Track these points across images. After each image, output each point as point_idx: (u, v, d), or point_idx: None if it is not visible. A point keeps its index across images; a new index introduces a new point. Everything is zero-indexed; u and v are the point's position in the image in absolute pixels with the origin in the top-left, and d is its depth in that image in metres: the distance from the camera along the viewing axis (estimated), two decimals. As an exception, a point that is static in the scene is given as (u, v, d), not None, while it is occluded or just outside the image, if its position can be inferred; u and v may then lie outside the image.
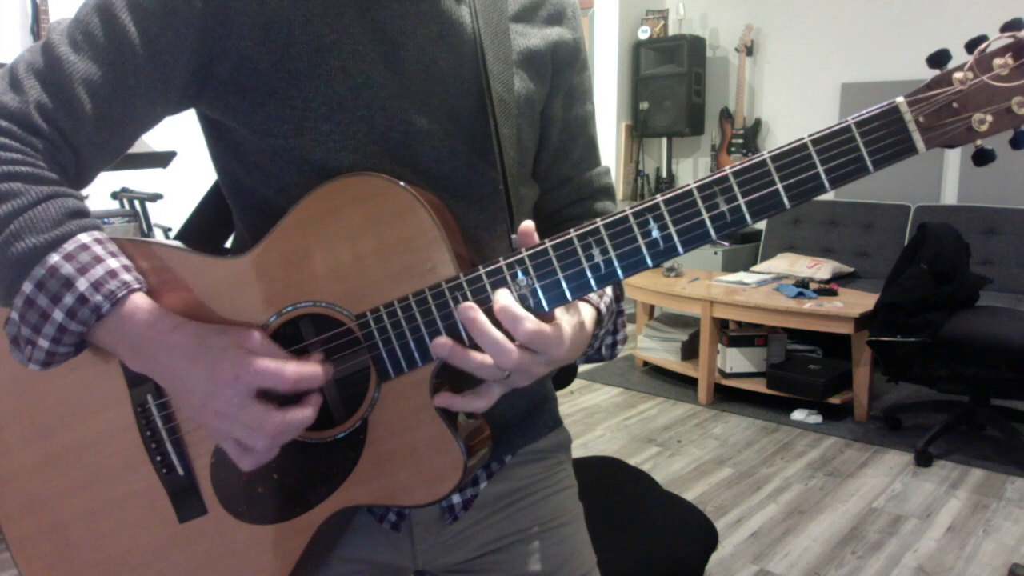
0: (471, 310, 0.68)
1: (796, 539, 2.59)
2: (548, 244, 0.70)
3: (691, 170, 5.63)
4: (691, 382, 4.01)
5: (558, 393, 1.01)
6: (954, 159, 4.54)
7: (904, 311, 3.06)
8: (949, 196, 4.57)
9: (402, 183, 0.72)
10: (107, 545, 0.81)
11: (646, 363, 4.43)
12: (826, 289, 3.77)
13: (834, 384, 3.61)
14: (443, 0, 0.79)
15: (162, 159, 3.28)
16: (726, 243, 4.94)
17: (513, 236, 0.80)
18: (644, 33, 5.41)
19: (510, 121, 0.82)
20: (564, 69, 0.90)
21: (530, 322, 0.67)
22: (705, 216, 0.67)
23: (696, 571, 1.48)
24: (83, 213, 0.71)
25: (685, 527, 1.55)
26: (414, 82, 0.78)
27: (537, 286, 0.70)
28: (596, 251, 0.69)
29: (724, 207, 0.67)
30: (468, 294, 0.71)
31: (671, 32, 5.46)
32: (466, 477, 0.75)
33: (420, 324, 0.72)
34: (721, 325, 3.90)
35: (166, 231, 3.63)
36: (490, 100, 0.80)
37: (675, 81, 5.21)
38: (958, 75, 0.64)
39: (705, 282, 4.10)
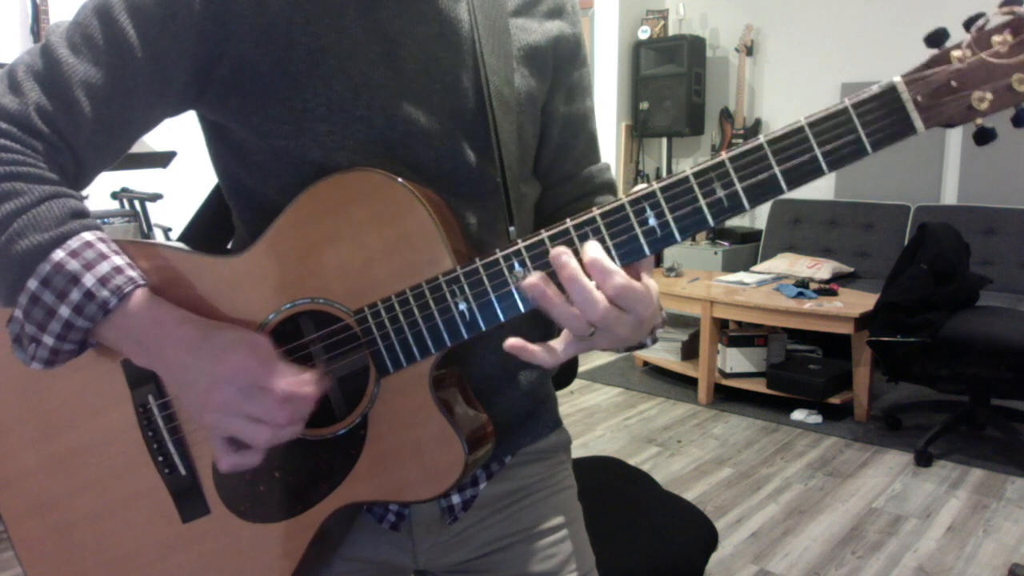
0: (564, 255, 0.65)
1: (796, 539, 2.59)
2: (545, 235, 0.69)
3: (691, 170, 5.62)
4: (691, 382, 4.01)
5: (558, 393, 1.01)
6: (954, 159, 4.54)
7: (904, 311, 3.06)
8: (949, 196, 4.57)
9: (400, 179, 0.72)
10: (112, 546, 0.81)
11: (646, 363, 4.43)
12: (826, 289, 3.77)
13: (834, 384, 3.61)
14: None
15: (162, 159, 3.28)
16: (726, 243, 4.94)
17: (511, 228, 0.81)
18: (644, 33, 5.41)
19: (510, 118, 0.82)
20: (565, 65, 0.90)
21: (621, 276, 0.64)
22: (702, 203, 0.66)
23: (696, 571, 1.48)
24: (84, 214, 0.72)
25: (685, 527, 1.55)
26: (414, 81, 0.78)
27: None
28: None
29: (721, 193, 0.66)
30: (465, 287, 0.71)
31: (671, 32, 5.45)
32: (468, 472, 0.75)
33: (418, 319, 0.72)
34: (721, 325, 3.90)
35: (166, 231, 3.63)
36: (489, 97, 0.80)
37: (675, 81, 5.20)
38: (956, 53, 0.62)
39: (705, 282, 4.10)
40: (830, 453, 3.28)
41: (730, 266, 4.79)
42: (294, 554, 0.77)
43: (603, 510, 1.55)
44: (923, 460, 3.12)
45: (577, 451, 1.06)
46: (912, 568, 2.41)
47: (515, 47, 0.84)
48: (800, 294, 3.70)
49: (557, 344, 0.69)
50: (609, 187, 0.96)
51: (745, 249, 5.02)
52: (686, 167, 0.68)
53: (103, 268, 0.69)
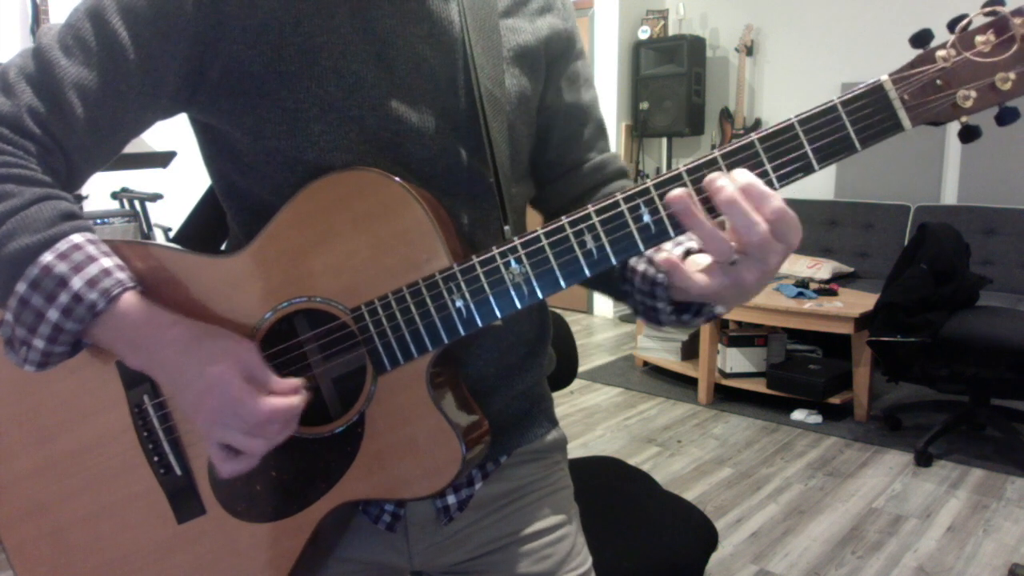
0: (720, 178, 0.63)
1: (796, 539, 2.59)
2: (540, 231, 0.70)
3: (691, 170, 5.62)
4: (691, 382, 4.01)
5: (557, 393, 1.01)
6: (954, 159, 4.54)
7: (904, 311, 3.06)
8: (949, 196, 4.57)
9: (397, 178, 0.72)
10: (108, 548, 0.81)
11: (646, 363, 4.43)
12: (826, 289, 3.77)
13: (834, 384, 3.61)
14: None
15: (162, 159, 3.28)
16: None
17: (506, 227, 0.81)
18: (644, 33, 5.41)
19: (501, 118, 0.82)
20: (559, 58, 0.90)
21: (778, 200, 0.63)
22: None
23: (696, 571, 1.48)
24: (76, 215, 0.71)
25: (685, 527, 1.55)
26: (405, 81, 0.78)
27: (531, 274, 0.70)
28: (588, 237, 0.69)
29: None
30: (462, 284, 0.71)
31: (671, 32, 5.45)
32: (465, 469, 0.75)
33: (415, 316, 0.72)
34: (721, 325, 3.90)
35: (166, 231, 3.63)
36: (479, 97, 0.80)
37: (675, 81, 5.20)
38: (941, 52, 0.64)
39: (705, 282, 4.09)
40: (830, 453, 3.28)
41: (730, 266, 4.78)
42: (291, 553, 0.77)
43: (603, 510, 1.55)
44: (923, 460, 3.12)
45: (577, 451, 1.06)
46: (912, 568, 2.41)
47: (505, 48, 0.84)
48: (800, 294, 3.70)
49: (701, 274, 0.67)
50: (623, 174, 0.95)
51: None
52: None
53: (91, 270, 0.69)
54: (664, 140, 5.55)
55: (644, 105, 5.34)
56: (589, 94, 0.94)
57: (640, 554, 1.45)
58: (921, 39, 0.65)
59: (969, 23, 0.64)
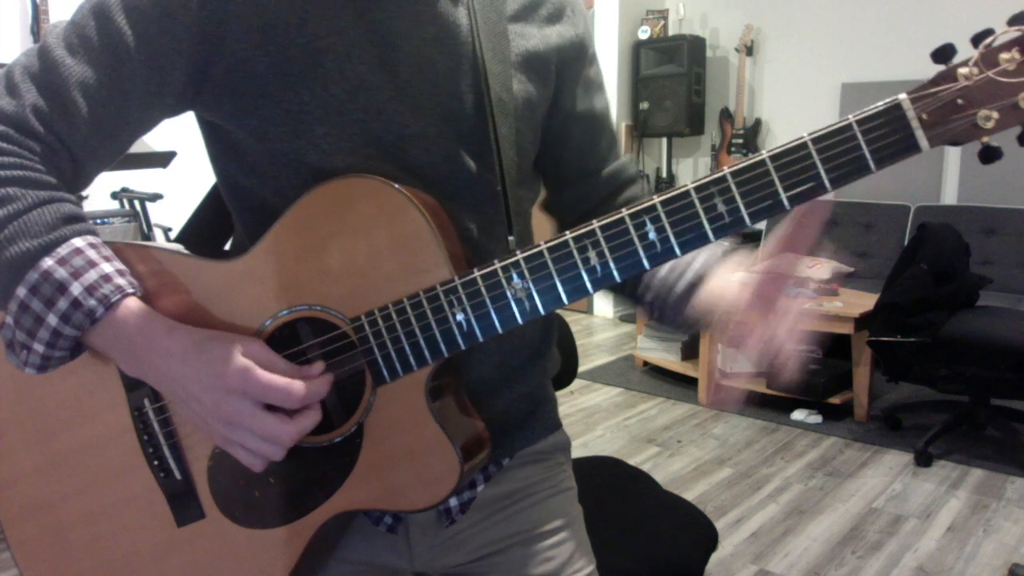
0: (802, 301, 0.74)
1: (796, 539, 2.59)
2: (544, 246, 0.69)
3: (691, 170, 5.63)
4: (691, 382, 4.01)
5: (558, 393, 1.01)
6: (954, 159, 4.54)
7: (904, 311, 3.06)
8: (949, 196, 4.57)
9: (396, 185, 0.72)
10: (107, 548, 0.81)
11: (646, 363, 4.43)
12: (826, 289, 3.77)
13: (834, 384, 3.60)
14: (439, 2, 0.78)
15: (162, 159, 3.28)
16: (726, 243, 4.93)
17: (511, 238, 0.80)
18: (644, 33, 5.41)
19: (508, 122, 0.81)
20: (571, 64, 0.89)
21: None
22: (703, 217, 0.66)
23: (696, 571, 1.48)
24: (79, 218, 0.71)
25: (685, 527, 1.55)
26: (410, 84, 0.77)
27: (533, 289, 0.69)
28: (592, 254, 0.68)
29: (722, 208, 0.66)
30: (463, 297, 0.70)
31: (671, 32, 5.45)
32: (463, 481, 0.75)
33: (415, 328, 0.72)
34: (721, 325, 3.89)
35: (166, 231, 3.63)
36: (488, 101, 0.79)
37: (675, 81, 5.20)
38: (963, 70, 0.61)
39: (705, 282, 4.09)
40: (830, 453, 3.28)
41: (730, 266, 4.78)
42: (289, 560, 0.77)
43: (603, 510, 1.55)
44: (923, 460, 3.12)
45: (577, 451, 1.06)
46: (912, 568, 2.41)
47: (513, 52, 0.83)
48: (800, 294, 3.70)
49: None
50: (638, 177, 0.97)
51: (745, 249, 5.01)
52: (686, 173, 0.68)
53: (91, 276, 0.69)
54: (664, 140, 5.54)
55: (644, 105, 5.34)
56: (602, 100, 0.95)
57: (640, 554, 1.45)
58: (943, 54, 0.62)
59: (994, 39, 0.61)
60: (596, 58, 0.93)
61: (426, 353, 0.72)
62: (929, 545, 2.54)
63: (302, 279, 0.74)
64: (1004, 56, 0.61)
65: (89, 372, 0.78)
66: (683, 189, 0.66)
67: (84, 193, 0.76)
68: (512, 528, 0.90)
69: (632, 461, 3.05)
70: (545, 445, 0.94)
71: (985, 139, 0.63)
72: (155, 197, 3.49)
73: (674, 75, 5.21)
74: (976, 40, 0.62)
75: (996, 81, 0.61)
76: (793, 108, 5.08)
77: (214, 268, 0.76)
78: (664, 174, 5.56)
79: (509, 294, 0.70)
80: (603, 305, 5.72)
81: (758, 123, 5.20)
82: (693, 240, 0.67)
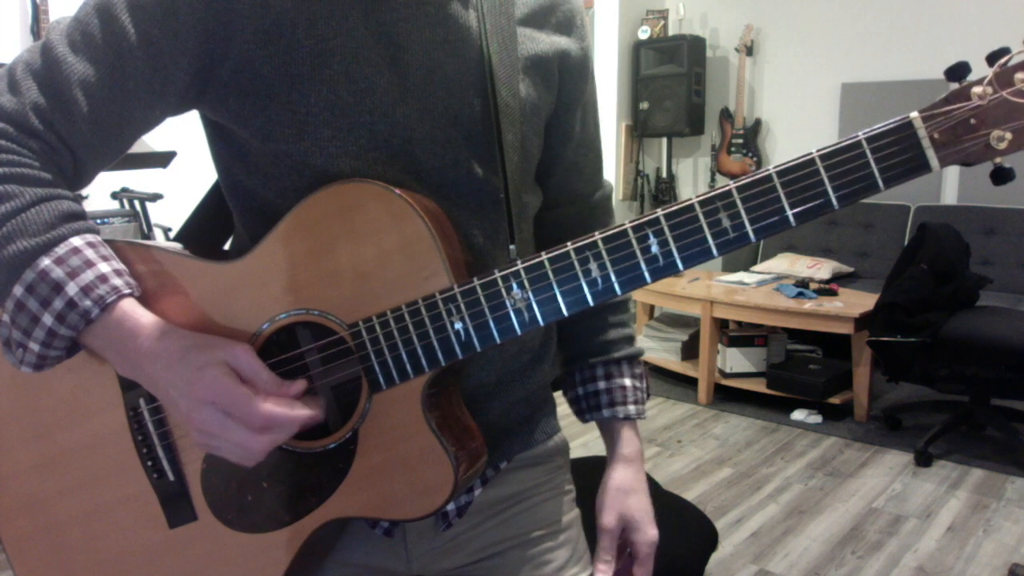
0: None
1: (796, 539, 2.59)
2: (544, 257, 0.68)
3: (691, 170, 5.62)
4: (691, 382, 4.01)
5: (558, 394, 1.01)
6: (954, 159, 4.53)
7: (904, 311, 3.06)
8: (949, 196, 4.57)
9: (397, 190, 0.71)
10: (101, 548, 0.81)
11: (646, 363, 4.42)
12: (826, 289, 3.77)
13: (834, 384, 3.60)
14: (449, 4, 0.78)
15: (162, 159, 3.28)
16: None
17: (512, 246, 0.79)
18: (644, 33, 5.41)
19: (515, 127, 0.80)
20: (575, 78, 0.89)
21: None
22: (707, 232, 0.65)
23: (696, 571, 1.48)
24: (78, 216, 0.71)
25: (685, 527, 1.55)
26: (418, 87, 0.76)
27: (533, 300, 0.69)
28: (593, 265, 0.68)
29: (727, 223, 0.65)
30: (462, 306, 0.70)
31: (671, 32, 5.45)
32: (458, 491, 0.74)
33: (413, 336, 0.71)
34: (721, 325, 3.90)
35: (166, 231, 3.63)
36: (495, 105, 0.78)
37: (675, 81, 5.20)
38: (977, 89, 0.60)
39: (705, 282, 4.10)
40: (830, 453, 3.28)
41: (730, 266, 4.78)
42: (279, 566, 0.76)
43: (603, 510, 1.55)
44: (923, 460, 3.12)
45: (577, 451, 1.06)
46: (912, 568, 2.41)
47: (521, 56, 0.82)
48: (800, 294, 3.70)
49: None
50: (610, 213, 0.99)
51: (745, 249, 5.01)
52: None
53: (87, 277, 0.68)
54: (664, 140, 5.54)
55: (644, 105, 5.34)
56: (597, 123, 0.95)
57: (640, 554, 1.44)
58: (957, 72, 0.61)
59: (1009, 59, 0.60)
60: (593, 74, 0.94)
61: (423, 362, 0.71)
62: (929, 545, 2.54)
63: (301, 283, 0.73)
64: (1020, 76, 0.60)
65: (86, 371, 0.78)
66: (688, 203, 0.65)
67: (84, 193, 0.76)
68: (510, 531, 0.89)
69: (632, 461, 3.04)
70: (543, 448, 0.94)
71: (998, 160, 0.61)
72: (155, 197, 3.49)
73: (674, 75, 5.21)
74: (991, 59, 0.61)
75: (1010, 101, 0.60)
76: (793, 108, 5.08)
77: (213, 269, 0.76)
78: (664, 174, 5.56)
79: (508, 304, 0.69)
80: (603, 305, 5.70)
81: (758, 123, 5.20)
82: (696, 255, 0.66)
